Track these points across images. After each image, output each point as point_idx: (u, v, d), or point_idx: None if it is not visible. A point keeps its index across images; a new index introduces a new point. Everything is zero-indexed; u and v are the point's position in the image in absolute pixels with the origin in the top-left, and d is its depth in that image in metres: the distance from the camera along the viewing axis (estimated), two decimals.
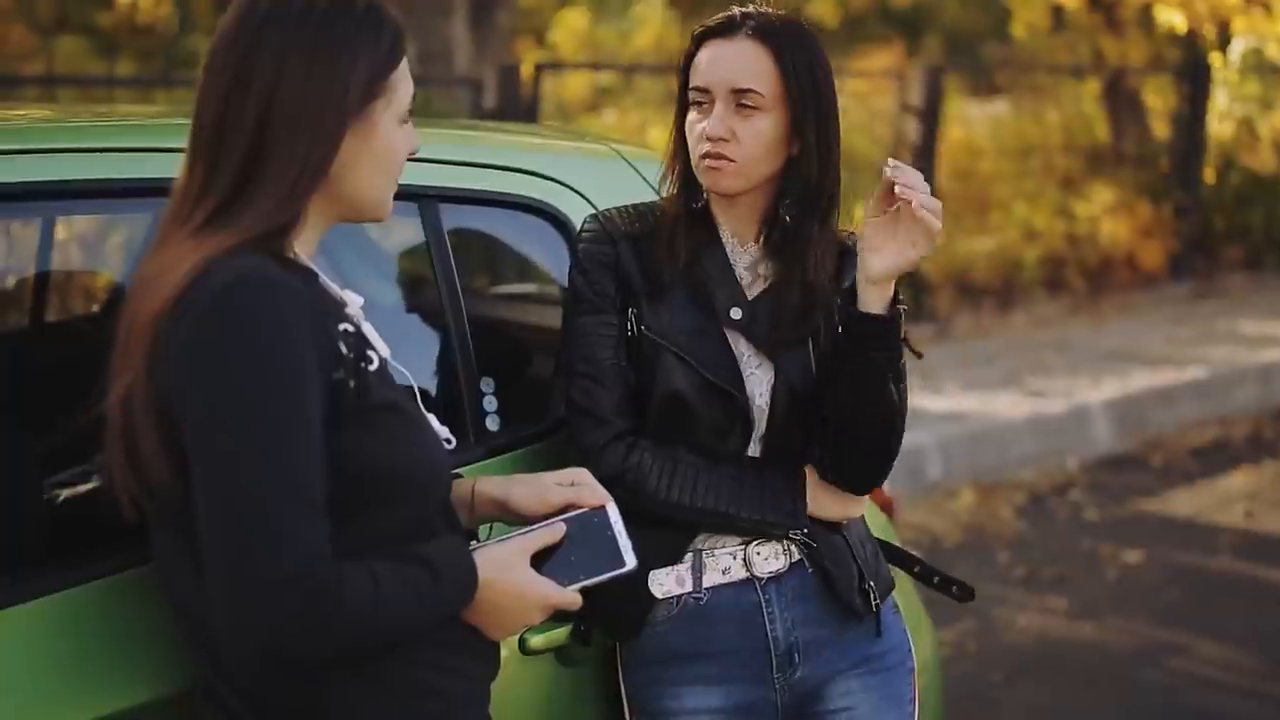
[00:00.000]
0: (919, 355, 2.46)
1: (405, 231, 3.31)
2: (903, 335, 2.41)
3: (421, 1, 9.01)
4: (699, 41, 2.47)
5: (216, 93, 1.91)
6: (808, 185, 2.45)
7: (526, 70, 8.79)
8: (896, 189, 2.30)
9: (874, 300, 2.37)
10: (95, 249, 5.07)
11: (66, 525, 2.50)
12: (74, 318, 4.13)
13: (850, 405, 2.43)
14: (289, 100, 1.89)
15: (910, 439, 7.73)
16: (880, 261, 2.34)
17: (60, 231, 4.64)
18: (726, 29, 2.45)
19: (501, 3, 9.58)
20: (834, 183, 2.47)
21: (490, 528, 2.25)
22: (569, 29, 14.95)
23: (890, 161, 2.34)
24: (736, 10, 2.47)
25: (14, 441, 2.53)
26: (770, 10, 2.47)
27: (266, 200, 1.89)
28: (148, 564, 2.04)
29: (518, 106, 8.21)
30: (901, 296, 2.41)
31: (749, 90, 2.41)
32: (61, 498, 2.54)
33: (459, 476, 2.28)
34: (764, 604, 2.52)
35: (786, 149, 2.44)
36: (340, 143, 1.92)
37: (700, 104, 2.45)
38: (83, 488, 2.49)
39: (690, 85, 2.46)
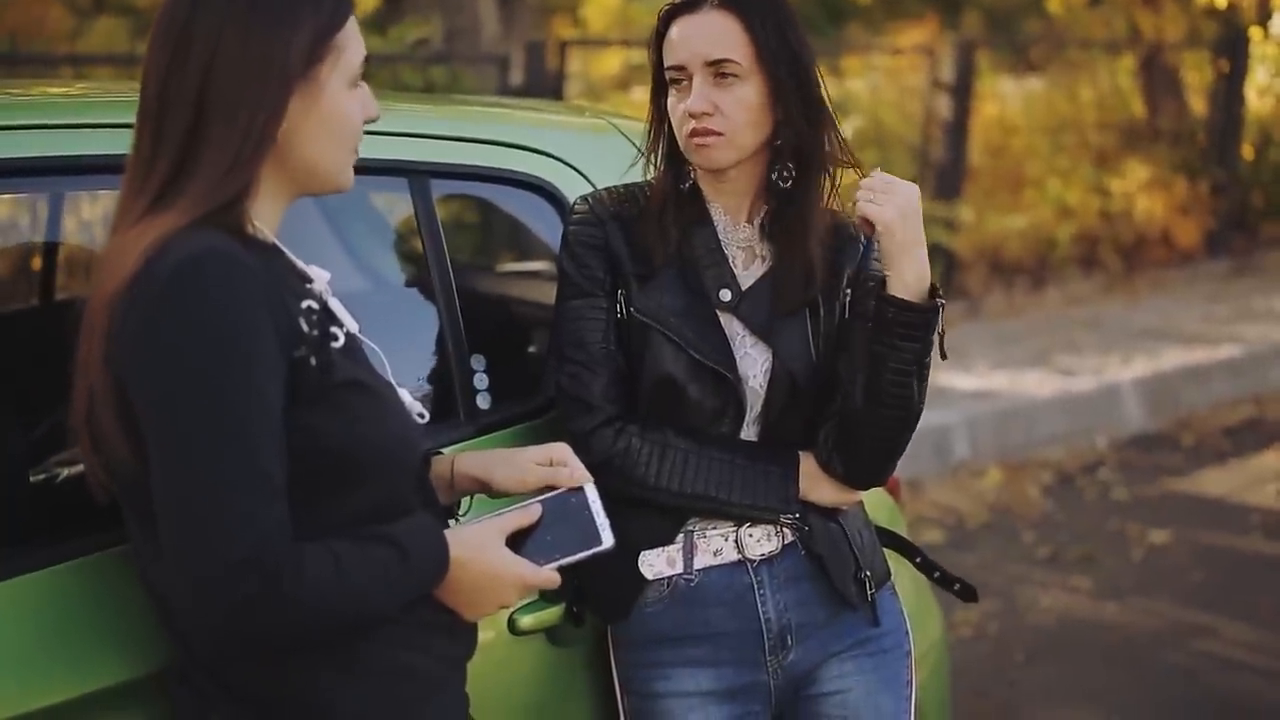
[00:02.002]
0: (944, 356, 2.40)
1: (395, 207, 3.28)
2: (939, 331, 2.36)
3: None
4: (667, 19, 2.44)
5: (159, 64, 1.89)
6: (797, 150, 2.41)
7: (553, 46, 8.74)
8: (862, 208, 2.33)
9: (895, 285, 2.34)
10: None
11: (49, 504, 2.49)
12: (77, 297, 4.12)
13: (867, 396, 2.39)
14: (228, 66, 1.86)
15: (937, 417, 7.60)
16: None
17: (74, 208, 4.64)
18: (692, 3, 2.41)
19: None
20: (822, 147, 2.43)
21: (471, 498, 2.23)
22: (600, 5, 14.87)
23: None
24: None
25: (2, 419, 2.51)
26: None
27: (212, 169, 1.85)
28: (127, 543, 2.02)
29: (544, 83, 8.15)
30: (941, 291, 2.37)
31: (724, 60, 2.37)
32: (46, 477, 2.53)
33: (439, 454, 2.26)
34: (756, 586, 2.49)
35: (772, 116, 2.41)
36: (285, 107, 1.88)
37: (678, 82, 2.42)
38: (70, 468, 2.48)
39: (665, 65, 2.43)
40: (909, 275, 2.33)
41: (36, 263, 3.83)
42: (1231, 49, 11.54)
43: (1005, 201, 10.63)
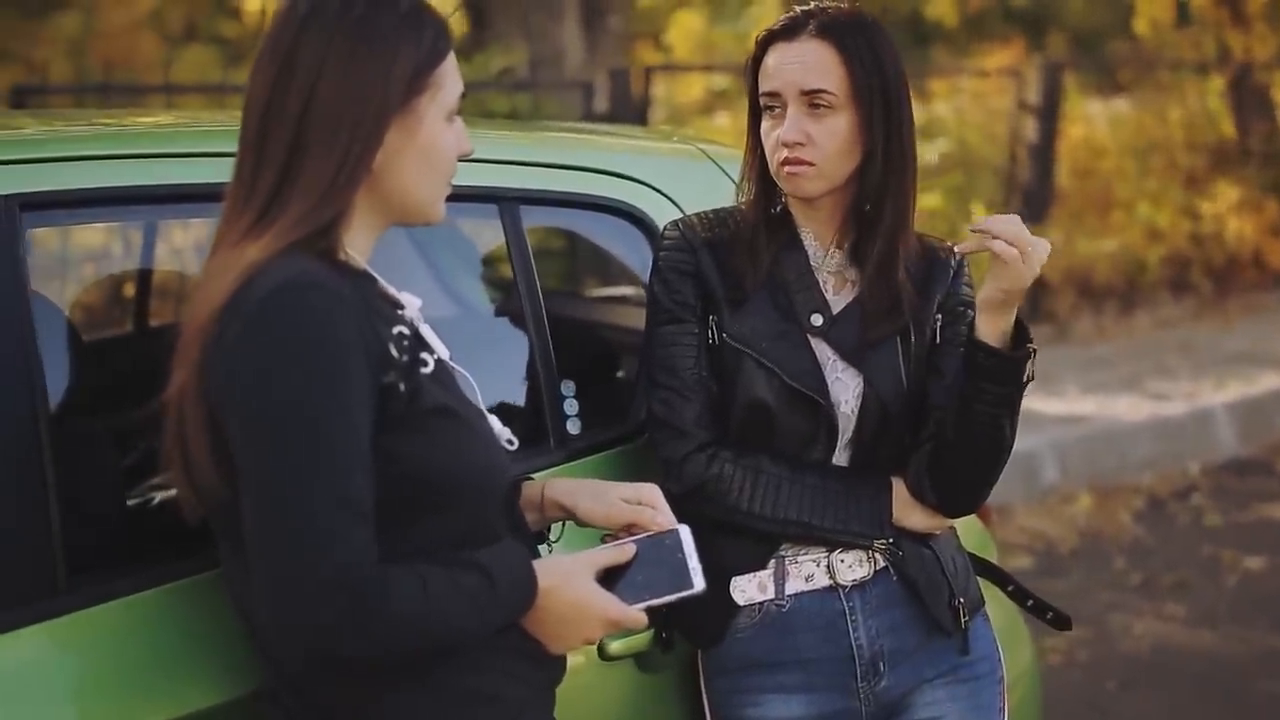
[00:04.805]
0: (1031, 378, 2.37)
1: (486, 233, 3.30)
2: (1026, 377, 2.34)
3: (532, 5, 9.05)
4: (764, 45, 2.43)
5: (262, 90, 1.92)
6: (885, 181, 2.40)
7: (637, 73, 8.78)
8: (988, 243, 2.27)
9: (986, 329, 2.32)
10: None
11: (147, 527, 2.52)
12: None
13: (956, 431, 2.39)
14: (330, 94, 1.88)
15: (1025, 442, 7.51)
16: (981, 291, 2.31)
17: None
18: (790, 30, 2.41)
19: (613, 6, 9.59)
20: (911, 178, 2.42)
21: (563, 525, 2.23)
22: (684, 31, 14.93)
23: (976, 221, 2.30)
24: (799, 10, 2.43)
25: (100, 443, 2.55)
26: (834, 6, 2.43)
27: (308, 195, 1.88)
28: (219, 566, 2.04)
29: (629, 109, 8.19)
30: (1032, 339, 2.34)
31: (820, 90, 2.36)
32: (143, 500, 2.56)
33: (529, 479, 2.26)
34: (848, 612, 2.47)
35: (863, 146, 2.40)
36: (383, 136, 1.91)
37: (772, 108, 2.41)
38: (164, 491, 2.51)
39: (760, 91, 2.43)
40: (1006, 323, 2.32)
41: (133, 289, 3.89)
42: None
43: (1093, 224, 10.55)
